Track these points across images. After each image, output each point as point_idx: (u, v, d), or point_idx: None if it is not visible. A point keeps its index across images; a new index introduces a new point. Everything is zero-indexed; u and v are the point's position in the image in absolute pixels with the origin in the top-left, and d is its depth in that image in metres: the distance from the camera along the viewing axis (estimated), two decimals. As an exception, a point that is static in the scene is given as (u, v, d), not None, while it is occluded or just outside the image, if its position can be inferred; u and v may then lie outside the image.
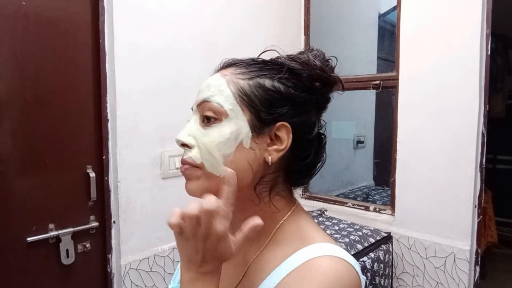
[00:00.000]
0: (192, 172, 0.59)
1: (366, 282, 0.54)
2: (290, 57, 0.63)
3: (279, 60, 0.63)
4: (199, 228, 0.49)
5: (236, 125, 0.57)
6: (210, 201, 0.50)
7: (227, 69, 0.62)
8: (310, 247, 0.56)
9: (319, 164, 0.65)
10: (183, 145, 0.59)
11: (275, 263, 0.57)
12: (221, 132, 0.57)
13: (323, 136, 0.66)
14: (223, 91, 0.58)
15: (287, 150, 0.59)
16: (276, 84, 0.60)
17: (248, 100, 0.58)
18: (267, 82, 0.60)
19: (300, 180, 0.65)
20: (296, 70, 0.61)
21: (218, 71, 0.63)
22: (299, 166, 0.62)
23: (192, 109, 0.63)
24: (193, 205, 0.49)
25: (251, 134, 0.58)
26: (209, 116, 0.58)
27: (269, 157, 0.58)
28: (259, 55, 0.67)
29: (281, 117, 0.59)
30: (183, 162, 0.59)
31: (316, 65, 0.62)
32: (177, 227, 0.50)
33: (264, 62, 0.63)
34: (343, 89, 0.66)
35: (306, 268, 0.53)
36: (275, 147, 0.59)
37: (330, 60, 0.65)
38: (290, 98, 0.60)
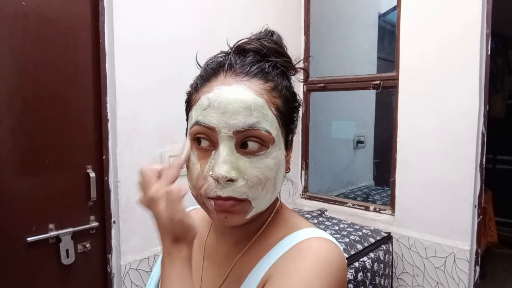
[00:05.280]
0: (239, 207, 0.53)
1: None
2: (274, 49, 0.56)
3: (278, 52, 0.57)
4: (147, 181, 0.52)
5: (280, 149, 0.54)
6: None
7: (250, 80, 0.53)
8: (297, 232, 0.56)
9: None
10: (229, 181, 0.52)
11: (263, 252, 0.56)
12: (270, 160, 0.53)
13: None
14: (267, 116, 0.52)
15: None
16: (292, 91, 0.56)
17: (286, 120, 0.55)
18: (289, 92, 0.56)
19: None
20: (289, 66, 0.57)
21: (231, 75, 0.54)
22: None
23: (216, 131, 0.52)
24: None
25: (285, 152, 0.56)
26: (252, 143, 0.52)
27: (288, 167, 0.58)
28: (234, 45, 0.58)
29: (296, 124, 0.57)
30: (227, 198, 0.51)
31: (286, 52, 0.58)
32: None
33: (273, 64, 0.56)
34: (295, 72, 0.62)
35: (297, 249, 0.53)
36: (289, 155, 0.58)
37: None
38: (298, 101, 0.57)
